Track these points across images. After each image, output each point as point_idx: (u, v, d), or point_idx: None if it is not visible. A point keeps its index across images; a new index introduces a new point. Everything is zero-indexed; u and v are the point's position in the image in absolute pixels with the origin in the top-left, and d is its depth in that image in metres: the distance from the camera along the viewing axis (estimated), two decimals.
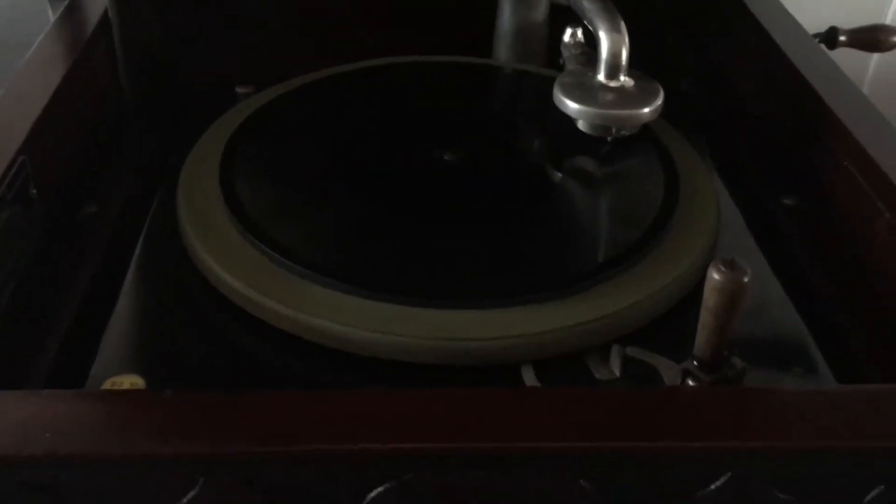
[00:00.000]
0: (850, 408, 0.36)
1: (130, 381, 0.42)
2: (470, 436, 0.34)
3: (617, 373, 0.44)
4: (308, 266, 0.46)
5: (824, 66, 0.59)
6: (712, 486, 0.36)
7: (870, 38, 0.69)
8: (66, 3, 0.62)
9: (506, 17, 0.68)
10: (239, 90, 0.64)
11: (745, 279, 0.36)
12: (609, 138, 0.54)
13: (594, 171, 0.56)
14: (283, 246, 0.47)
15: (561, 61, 0.62)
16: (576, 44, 0.61)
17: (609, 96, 0.52)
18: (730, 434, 0.35)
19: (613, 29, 0.51)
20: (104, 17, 0.61)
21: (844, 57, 0.66)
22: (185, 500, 0.35)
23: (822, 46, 0.66)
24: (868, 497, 0.36)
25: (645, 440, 0.34)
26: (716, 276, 0.36)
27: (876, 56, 0.89)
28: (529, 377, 0.44)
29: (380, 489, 0.35)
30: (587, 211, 0.55)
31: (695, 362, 0.39)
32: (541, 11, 0.67)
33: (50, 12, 0.64)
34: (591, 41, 0.52)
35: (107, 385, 0.42)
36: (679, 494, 0.36)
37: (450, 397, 0.36)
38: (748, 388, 0.38)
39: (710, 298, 0.37)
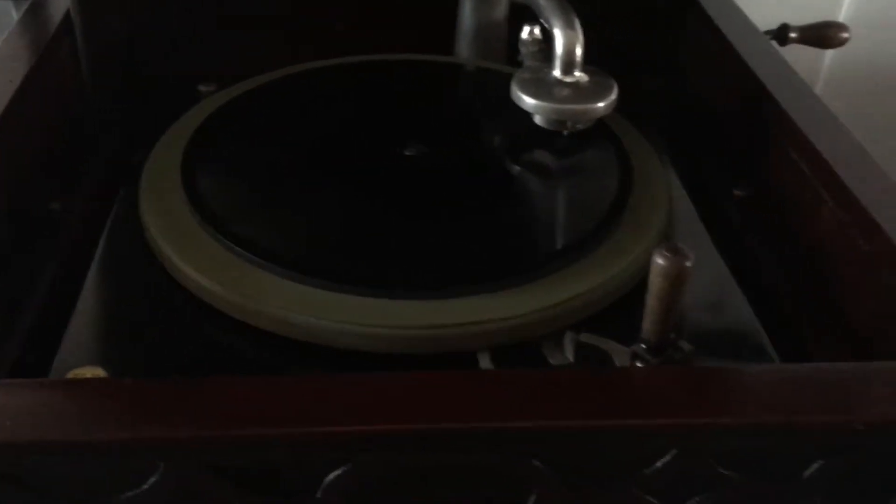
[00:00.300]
0: (790, 385, 0.37)
1: (92, 373, 0.43)
2: (424, 417, 0.35)
3: (571, 358, 0.45)
4: (267, 257, 0.47)
5: (774, 62, 0.61)
6: (658, 464, 0.37)
7: (820, 35, 0.70)
8: (28, 2, 0.63)
9: (467, 16, 0.69)
10: (202, 88, 0.65)
11: (688, 263, 0.37)
12: (565, 132, 0.55)
13: (551, 164, 0.57)
14: (242, 238, 0.48)
15: (519, 58, 0.63)
16: (533, 41, 0.63)
17: (564, 91, 0.54)
18: (674, 412, 0.36)
19: (568, 26, 0.53)
20: (67, 16, 0.62)
21: (800, 54, 0.68)
22: (146, 486, 0.36)
23: (774, 43, 0.68)
24: (807, 472, 0.38)
25: (592, 419, 0.36)
26: (660, 261, 0.38)
27: (830, 53, 0.91)
28: (486, 364, 0.45)
29: (337, 472, 0.36)
30: (543, 203, 0.56)
31: (642, 345, 0.40)
32: (501, 10, 0.69)
33: (14, 12, 0.64)
34: (549, 38, 0.53)
35: (69, 377, 0.43)
36: (626, 472, 0.37)
37: (405, 380, 0.37)
38: (692, 368, 0.40)
39: (654, 283, 0.38)
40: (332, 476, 0.36)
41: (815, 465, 0.37)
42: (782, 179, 0.54)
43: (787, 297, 0.51)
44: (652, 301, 0.38)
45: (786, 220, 0.53)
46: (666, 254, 0.37)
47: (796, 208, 0.52)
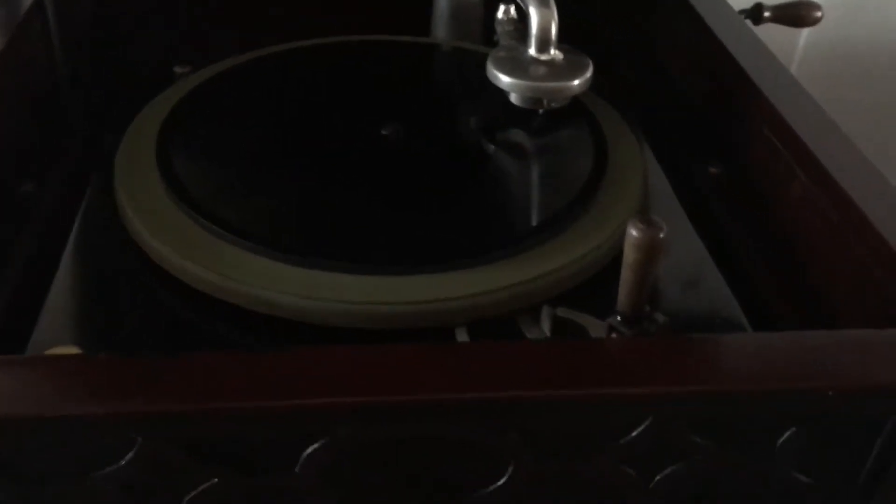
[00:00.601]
0: (763, 354, 0.38)
1: (68, 352, 0.42)
2: (400, 390, 0.35)
3: (547, 333, 0.46)
4: (241, 235, 0.47)
5: (747, 40, 0.61)
6: (633, 434, 0.37)
7: (794, 14, 0.71)
8: None
9: None
10: (177, 70, 0.64)
11: (661, 235, 0.38)
12: (541, 111, 0.55)
13: (527, 142, 0.57)
14: (216, 216, 0.48)
15: (495, 38, 0.63)
16: (509, 20, 0.63)
17: (540, 70, 0.54)
18: (649, 381, 0.36)
19: (543, 4, 0.53)
20: None
21: (775, 33, 0.68)
22: (123, 462, 0.36)
23: (748, 22, 0.68)
24: (781, 439, 0.38)
25: (567, 389, 0.36)
26: (633, 232, 0.38)
27: (805, 32, 0.92)
28: (463, 339, 0.45)
29: (315, 445, 0.36)
30: (519, 180, 0.56)
31: (618, 317, 0.41)
32: None
33: None
34: (524, 17, 0.54)
35: None
36: (602, 443, 0.38)
37: (381, 353, 0.37)
38: (666, 337, 0.40)
39: (628, 254, 0.38)
40: (310, 450, 0.36)
41: (787, 433, 0.38)
42: (756, 155, 0.55)
43: (761, 269, 0.52)
44: (626, 273, 0.39)
45: (759, 195, 0.54)
46: (640, 225, 0.38)
47: (769, 183, 0.53)
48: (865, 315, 0.44)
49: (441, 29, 0.70)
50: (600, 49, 0.56)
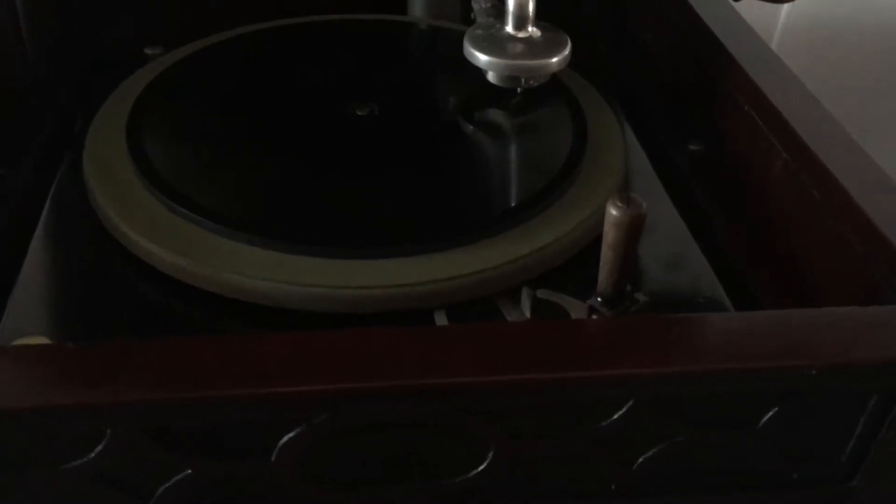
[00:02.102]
0: (745, 333, 0.37)
1: (37, 342, 0.41)
2: (378, 374, 0.35)
3: (528, 315, 0.45)
4: (215, 219, 0.46)
5: (727, 15, 0.60)
6: (615, 416, 0.37)
7: None
8: None
9: None
10: (148, 51, 0.63)
11: (641, 213, 0.37)
12: (519, 89, 0.55)
13: (505, 122, 0.56)
14: (188, 200, 0.47)
15: (472, 16, 0.62)
16: None
17: (517, 47, 0.53)
18: (631, 361, 0.36)
19: None
20: None
21: (755, 10, 0.68)
22: (93, 455, 0.35)
23: None
24: (764, 418, 0.38)
25: (547, 372, 0.35)
26: (613, 211, 0.37)
27: (786, 8, 0.91)
28: (442, 323, 0.45)
29: (291, 434, 0.35)
30: (498, 160, 0.55)
31: (598, 298, 0.40)
32: None
33: None
34: None
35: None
36: (584, 426, 0.37)
37: (357, 337, 0.36)
38: (648, 318, 0.39)
39: (609, 233, 0.38)
40: (286, 438, 0.36)
41: (770, 412, 0.38)
42: (736, 132, 0.54)
43: (743, 248, 0.51)
44: (607, 252, 0.38)
45: (740, 173, 0.53)
46: (619, 204, 0.37)
47: (750, 160, 0.52)
48: (848, 293, 0.43)
49: (417, 7, 0.69)
50: (578, 26, 0.55)
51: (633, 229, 0.37)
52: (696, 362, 0.36)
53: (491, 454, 0.37)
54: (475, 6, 0.62)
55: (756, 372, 0.37)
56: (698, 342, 0.37)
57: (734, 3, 0.66)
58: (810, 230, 0.46)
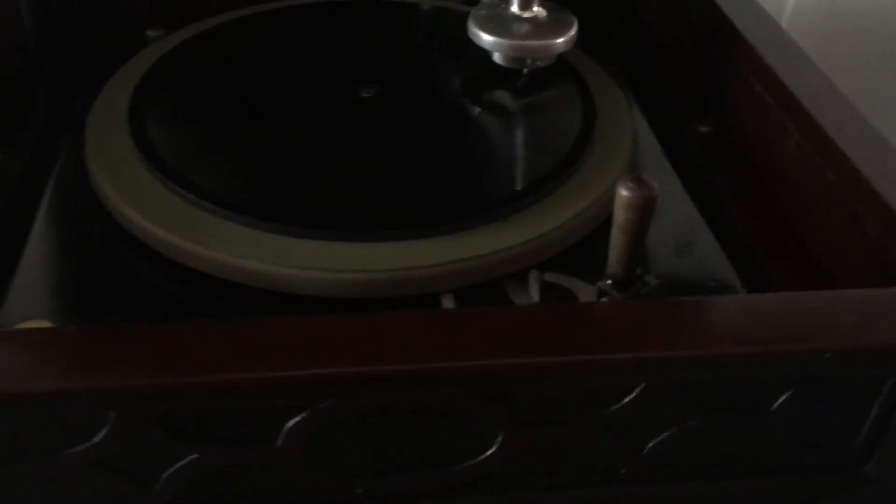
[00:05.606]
0: (759, 316, 0.37)
1: (40, 326, 0.41)
2: (385, 359, 0.34)
3: (536, 298, 0.44)
4: (218, 202, 0.45)
5: None
6: (626, 400, 0.36)
7: None
8: None
9: None
10: (149, 33, 0.62)
11: (653, 194, 0.36)
12: (525, 70, 0.54)
13: (511, 103, 0.56)
14: (191, 183, 0.46)
15: None
16: None
17: (523, 28, 0.52)
18: (641, 345, 0.35)
19: None
20: None
21: None
22: (96, 440, 0.34)
23: None
24: (777, 402, 0.37)
25: (557, 356, 0.35)
26: (624, 192, 0.36)
27: None
28: (449, 307, 0.44)
29: (297, 419, 0.35)
30: (505, 143, 0.55)
31: (608, 281, 0.39)
32: None
33: None
34: None
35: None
36: (594, 411, 0.37)
37: (363, 322, 0.35)
38: (659, 301, 0.39)
39: (619, 215, 0.37)
40: (291, 423, 0.35)
41: (783, 397, 0.37)
42: (747, 113, 0.53)
43: (754, 230, 0.50)
44: (617, 234, 0.38)
45: (751, 154, 0.52)
46: (630, 185, 0.36)
47: (761, 141, 0.51)
48: (862, 274, 0.43)
49: None
50: (584, 5, 0.54)
51: (645, 211, 0.36)
52: (709, 346, 0.35)
53: (499, 440, 0.37)
54: None
55: (769, 355, 0.36)
56: (711, 325, 0.36)
57: None
58: (824, 212, 0.46)
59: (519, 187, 0.49)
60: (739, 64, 0.54)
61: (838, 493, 0.40)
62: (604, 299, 0.40)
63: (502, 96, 0.56)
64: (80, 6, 0.67)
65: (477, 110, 0.55)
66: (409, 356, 0.34)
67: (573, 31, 0.52)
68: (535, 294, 0.44)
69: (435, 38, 0.66)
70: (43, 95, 0.59)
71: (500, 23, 0.52)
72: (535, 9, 0.52)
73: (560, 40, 0.52)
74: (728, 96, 0.56)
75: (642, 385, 0.36)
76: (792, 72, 0.50)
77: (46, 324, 0.41)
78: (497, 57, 0.53)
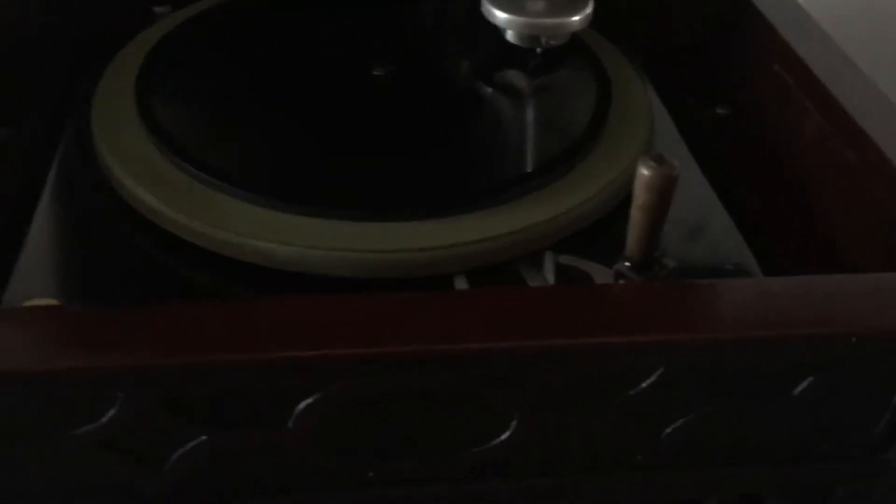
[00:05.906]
0: (779, 299, 0.36)
1: (46, 304, 0.40)
2: (397, 340, 0.33)
3: (551, 280, 0.43)
4: (227, 181, 0.44)
5: None
6: (644, 384, 0.35)
7: None
8: None
9: None
10: (156, 10, 0.61)
11: (674, 173, 0.35)
12: (539, 49, 0.53)
13: (525, 83, 0.55)
14: (200, 161, 0.45)
15: None
16: None
17: (538, 5, 0.51)
18: (659, 328, 0.34)
19: None
20: None
21: None
22: (105, 420, 0.34)
23: None
24: (798, 388, 0.36)
25: (574, 338, 0.34)
26: (644, 171, 0.36)
27: None
28: (462, 288, 0.43)
29: (308, 400, 0.34)
30: (519, 123, 0.54)
31: (626, 263, 0.39)
32: None
33: None
34: None
35: None
36: (612, 394, 0.36)
37: (374, 302, 0.35)
38: (676, 283, 0.38)
39: (639, 195, 0.36)
40: (302, 405, 0.34)
41: (805, 382, 0.36)
42: (766, 93, 0.52)
43: (773, 213, 0.49)
44: (637, 214, 0.37)
45: (769, 135, 0.51)
46: (651, 164, 0.35)
47: (781, 122, 0.50)
48: (883, 257, 0.42)
49: None
50: None
51: (665, 190, 0.35)
52: (730, 329, 0.35)
53: (514, 423, 0.36)
54: None
55: (791, 339, 0.35)
56: (731, 309, 0.36)
57: None
58: (844, 194, 0.45)
59: (533, 168, 0.48)
60: (758, 42, 0.53)
61: (856, 480, 0.40)
62: (621, 282, 0.39)
63: (516, 77, 0.55)
64: None
65: (490, 90, 0.55)
66: (422, 338, 0.34)
67: (588, 10, 0.51)
68: (549, 276, 0.44)
69: (448, 17, 0.65)
70: (49, 73, 0.58)
71: (514, 0, 0.51)
72: None
73: (575, 18, 0.51)
74: (746, 76, 0.55)
75: (661, 369, 0.35)
76: (812, 52, 0.49)
77: (54, 302, 0.40)
78: (510, 35, 0.52)
